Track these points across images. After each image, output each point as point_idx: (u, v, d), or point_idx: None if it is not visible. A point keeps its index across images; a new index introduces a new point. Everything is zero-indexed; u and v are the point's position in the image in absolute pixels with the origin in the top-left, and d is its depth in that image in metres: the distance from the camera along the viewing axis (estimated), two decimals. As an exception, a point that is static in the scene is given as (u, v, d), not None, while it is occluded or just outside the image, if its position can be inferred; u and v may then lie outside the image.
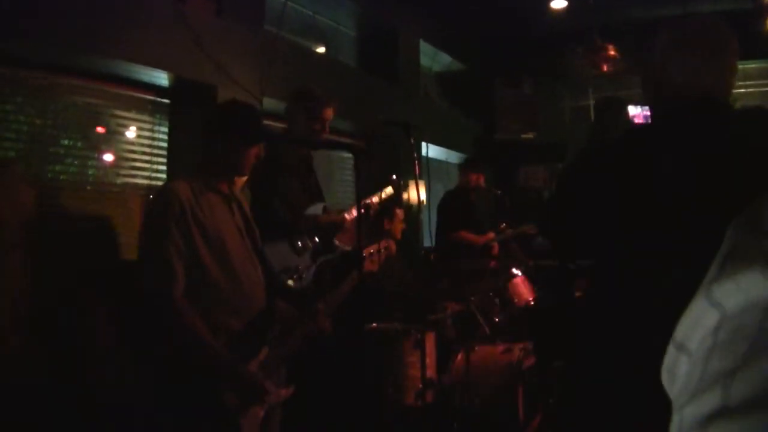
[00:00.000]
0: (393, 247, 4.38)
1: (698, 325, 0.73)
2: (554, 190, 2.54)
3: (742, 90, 10.28)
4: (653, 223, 1.98)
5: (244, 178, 3.55)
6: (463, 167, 7.32)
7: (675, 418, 0.72)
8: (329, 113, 4.54)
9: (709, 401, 0.65)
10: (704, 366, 0.70)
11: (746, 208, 0.81)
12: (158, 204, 3.05)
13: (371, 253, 4.09)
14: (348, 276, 3.73)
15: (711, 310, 0.71)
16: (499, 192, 6.86)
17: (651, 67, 2.19)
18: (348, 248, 4.49)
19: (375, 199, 4.79)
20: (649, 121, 2.34)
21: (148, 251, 3.06)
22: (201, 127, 3.38)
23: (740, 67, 2.12)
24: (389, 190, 4.93)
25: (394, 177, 5.02)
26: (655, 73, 2.18)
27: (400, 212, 5.83)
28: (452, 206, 7.06)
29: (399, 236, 5.76)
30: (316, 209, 4.44)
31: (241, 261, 3.10)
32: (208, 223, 2.98)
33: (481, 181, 7.17)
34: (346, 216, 4.45)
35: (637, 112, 6.21)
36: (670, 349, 0.78)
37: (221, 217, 3.09)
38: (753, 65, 10.46)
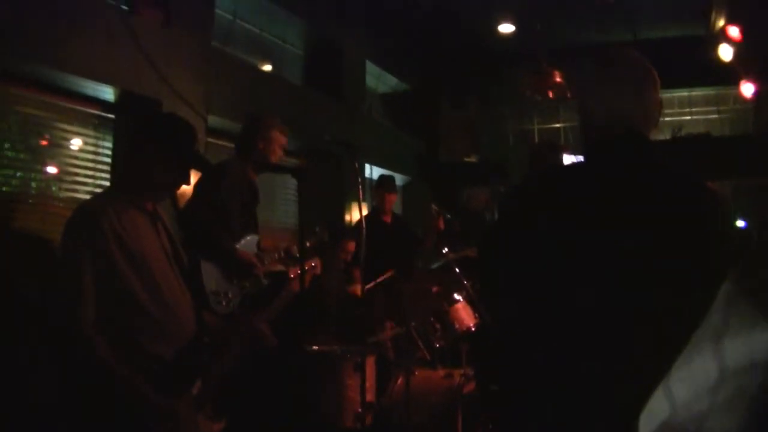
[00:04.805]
0: (319, 266, 4.38)
1: (694, 377, 0.72)
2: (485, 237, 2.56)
3: (688, 117, 10.51)
4: (563, 256, 1.99)
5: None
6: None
7: None
8: (275, 133, 4.48)
9: None
10: (699, 423, 0.69)
11: (746, 258, 0.79)
12: (73, 226, 2.76)
13: (298, 274, 4.05)
14: (278, 294, 3.71)
15: (712, 365, 0.70)
16: (449, 216, 6.78)
17: (577, 100, 2.23)
18: (275, 269, 4.44)
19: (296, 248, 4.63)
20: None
21: (60, 275, 2.77)
22: (133, 135, 3.09)
23: (685, 94, 2.15)
24: (313, 240, 4.82)
25: (318, 229, 4.91)
26: (579, 106, 2.21)
27: (351, 244, 5.86)
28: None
29: (343, 264, 5.87)
30: (251, 242, 4.41)
31: (169, 286, 2.84)
32: (134, 245, 2.73)
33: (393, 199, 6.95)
34: (262, 262, 4.34)
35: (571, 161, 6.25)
36: (660, 392, 0.76)
37: (147, 238, 2.83)
38: (698, 92, 10.57)
